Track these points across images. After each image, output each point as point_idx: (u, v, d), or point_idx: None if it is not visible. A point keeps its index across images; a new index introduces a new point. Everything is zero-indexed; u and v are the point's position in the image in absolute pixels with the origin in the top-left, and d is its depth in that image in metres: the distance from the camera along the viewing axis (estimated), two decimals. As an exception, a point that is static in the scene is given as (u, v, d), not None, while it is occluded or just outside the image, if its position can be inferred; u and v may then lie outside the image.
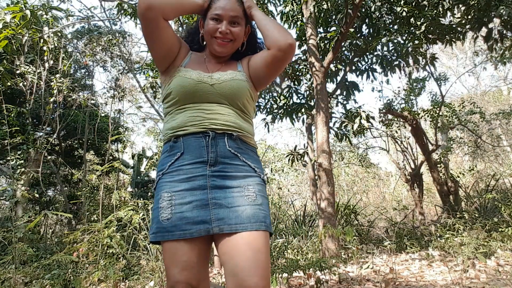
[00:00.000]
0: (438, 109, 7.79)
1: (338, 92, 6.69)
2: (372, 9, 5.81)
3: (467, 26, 5.47)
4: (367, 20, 6.17)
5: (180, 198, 1.16)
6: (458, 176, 8.30)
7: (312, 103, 6.56)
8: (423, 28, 5.62)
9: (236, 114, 1.26)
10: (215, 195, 1.15)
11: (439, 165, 7.84)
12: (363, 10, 5.95)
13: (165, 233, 1.14)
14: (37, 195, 6.61)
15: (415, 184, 7.94)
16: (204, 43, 1.39)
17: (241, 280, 1.05)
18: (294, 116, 6.76)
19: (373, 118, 5.61)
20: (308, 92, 6.88)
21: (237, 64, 1.38)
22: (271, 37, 1.24)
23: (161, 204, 1.16)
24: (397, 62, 6.03)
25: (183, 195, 1.16)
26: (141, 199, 4.76)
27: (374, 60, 6.37)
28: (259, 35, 1.40)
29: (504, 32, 5.12)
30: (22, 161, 6.34)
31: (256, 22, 1.33)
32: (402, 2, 5.67)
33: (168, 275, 1.14)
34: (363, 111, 5.46)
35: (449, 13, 5.64)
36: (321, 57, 5.81)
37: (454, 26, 5.71)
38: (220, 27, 1.27)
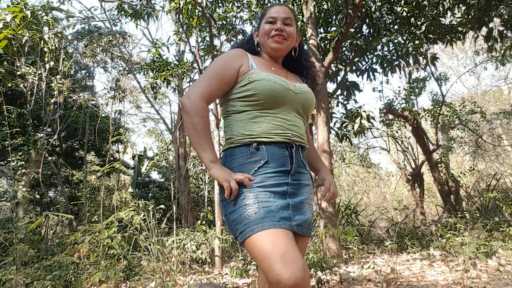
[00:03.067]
0: (438, 108, 7.79)
1: (339, 92, 6.68)
2: (373, 9, 5.81)
3: (468, 26, 5.47)
4: (367, 20, 6.16)
5: (265, 197, 1.18)
6: (459, 176, 8.30)
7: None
8: (423, 28, 5.61)
9: (304, 126, 1.37)
10: (293, 200, 1.25)
11: (439, 165, 7.83)
12: (364, 10, 5.94)
13: (254, 226, 1.12)
14: (38, 196, 6.61)
15: (416, 184, 7.94)
16: (259, 49, 1.46)
17: None
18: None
19: (373, 118, 5.62)
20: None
21: (297, 77, 1.50)
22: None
23: (246, 202, 1.17)
24: (397, 62, 6.02)
25: (268, 195, 1.19)
26: (142, 199, 4.76)
27: (374, 60, 6.36)
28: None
29: (504, 31, 5.12)
30: (22, 162, 6.34)
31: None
32: (402, 2, 5.66)
33: (268, 267, 1.04)
34: (363, 111, 5.46)
35: (449, 13, 5.64)
36: (321, 57, 5.80)
37: (454, 26, 5.71)
38: (275, 26, 1.39)
